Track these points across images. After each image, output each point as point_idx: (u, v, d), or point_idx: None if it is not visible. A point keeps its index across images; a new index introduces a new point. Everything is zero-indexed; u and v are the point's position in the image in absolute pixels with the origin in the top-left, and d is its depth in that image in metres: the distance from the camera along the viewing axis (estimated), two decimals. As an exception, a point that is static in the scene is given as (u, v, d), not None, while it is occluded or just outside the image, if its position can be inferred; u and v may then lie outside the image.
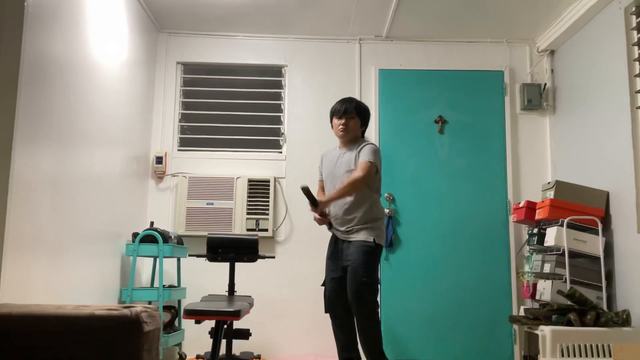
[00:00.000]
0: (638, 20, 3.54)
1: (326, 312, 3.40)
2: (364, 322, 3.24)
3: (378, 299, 3.29)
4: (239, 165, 4.62)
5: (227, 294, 3.53)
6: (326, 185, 3.56)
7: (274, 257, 3.96)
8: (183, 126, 4.75)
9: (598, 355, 3.19)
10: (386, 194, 4.53)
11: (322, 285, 3.44)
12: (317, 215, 3.41)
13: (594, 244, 3.68)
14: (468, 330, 4.42)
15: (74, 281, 3.16)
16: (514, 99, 4.74)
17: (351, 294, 3.23)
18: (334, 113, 3.53)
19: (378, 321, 3.30)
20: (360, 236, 3.31)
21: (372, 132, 4.56)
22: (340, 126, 3.47)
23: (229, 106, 4.77)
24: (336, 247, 3.43)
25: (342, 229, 3.38)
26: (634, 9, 3.56)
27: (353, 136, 3.51)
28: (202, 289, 4.07)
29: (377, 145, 3.57)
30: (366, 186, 3.32)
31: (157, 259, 4.06)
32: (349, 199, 3.33)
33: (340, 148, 3.55)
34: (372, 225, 3.35)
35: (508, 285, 4.48)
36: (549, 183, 4.10)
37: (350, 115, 3.47)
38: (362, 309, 3.21)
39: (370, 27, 4.64)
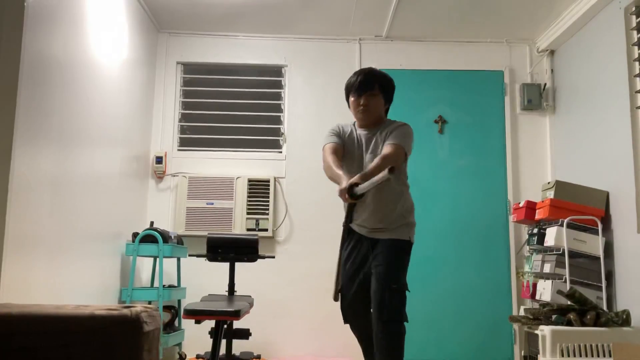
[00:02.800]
0: (638, 20, 3.54)
1: (346, 322, 2.81)
2: (386, 335, 2.59)
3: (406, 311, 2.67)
4: (239, 165, 4.62)
5: (227, 294, 3.53)
6: (348, 166, 2.75)
7: (274, 257, 3.96)
8: (183, 126, 4.75)
9: (598, 355, 3.19)
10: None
11: (336, 298, 2.75)
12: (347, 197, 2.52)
13: (594, 244, 3.68)
14: (468, 330, 4.42)
15: (74, 281, 3.16)
16: (514, 99, 4.74)
17: (376, 303, 2.62)
18: (350, 88, 2.83)
19: (403, 336, 2.61)
20: (393, 234, 2.72)
21: (372, 132, 4.56)
22: (360, 107, 2.78)
23: (229, 106, 4.77)
24: (358, 248, 2.81)
25: (369, 226, 2.78)
26: (634, 9, 3.56)
27: (376, 117, 2.84)
28: (202, 289, 4.06)
29: (409, 125, 2.85)
30: (394, 173, 2.37)
31: (157, 259, 4.06)
32: (375, 196, 2.71)
33: (360, 127, 2.87)
34: (406, 221, 2.77)
35: (508, 285, 4.48)
36: (549, 183, 4.10)
37: (372, 92, 2.79)
38: (386, 318, 2.58)
39: (370, 27, 4.64)
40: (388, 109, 2.95)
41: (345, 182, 2.50)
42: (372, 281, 2.68)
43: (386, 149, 2.68)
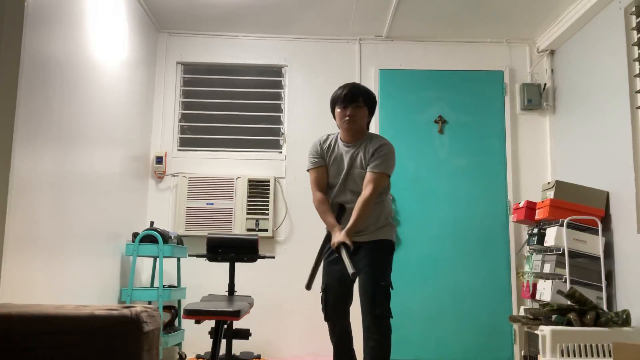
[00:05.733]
0: (638, 20, 3.54)
1: (327, 319, 2.98)
2: (379, 330, 2.78)
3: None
4: (239, 165, 4.62)
5: (227, 294, 3.53)
6: (333, 180, 3.00)
7: (274, 257, 3.96)
8: (183, 126, 4.75)
9: (598, 355, 3.19)
10: (386, 194, 4.54)
11: (323, 291, 3.00)
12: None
13: (594, 244, 3.68)
14: (468, 330, 4.42)
15: (74, 281, 3.16)
16: (514, 99, 4.74)
17: (367, 299, 2.81)
18: (337, 100, 2.96)
19: (390, 332, 2.83)
20: (377, 235, 2.93)
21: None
22: (347, 118, 2.91)
23: (229, 106, 4.77)
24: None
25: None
26: (634, 9, 3.56)
27: (360, 128, 2.98)
28: (202, 289, 4.06)
29: (390, 144, 3.00)
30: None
31: (157, 259, 4.06)
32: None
33: (343, 141, 3.00)
34: (387, 222, 2.99)
35: (508, 285, 4.48)
36: (549, 183, 4.10)
37: (358, 105, 2.92)
38: (377, 314, 2.78)
39: (370, 27, 4.64)
40: (370, 122, 3.10)
41: (338, 236, 2.81)
42: (361, 280, 2.84)
43: (367, 185, 2.87)
